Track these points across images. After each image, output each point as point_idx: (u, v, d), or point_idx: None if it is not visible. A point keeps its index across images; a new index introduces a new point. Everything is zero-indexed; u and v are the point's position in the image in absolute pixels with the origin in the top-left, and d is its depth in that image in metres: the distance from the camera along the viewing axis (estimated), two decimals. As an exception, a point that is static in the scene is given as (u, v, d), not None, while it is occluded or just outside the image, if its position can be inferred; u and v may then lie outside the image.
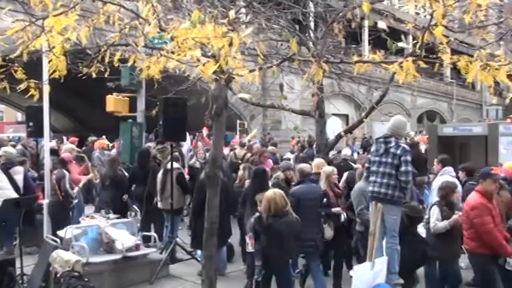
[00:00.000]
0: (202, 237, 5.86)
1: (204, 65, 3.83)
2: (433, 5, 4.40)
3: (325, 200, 7.69)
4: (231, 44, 3.87)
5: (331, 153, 11.10)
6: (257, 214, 6.49)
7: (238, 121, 24.42)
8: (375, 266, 5.75)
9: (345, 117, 30.08)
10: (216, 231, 5.87)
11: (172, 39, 4.14)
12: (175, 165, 9.63)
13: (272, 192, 6.38)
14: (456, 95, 42.84)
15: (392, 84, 10.53)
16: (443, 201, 6.98)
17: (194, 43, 3.95)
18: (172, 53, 4.13)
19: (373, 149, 6.58)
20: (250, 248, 7.34)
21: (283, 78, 9.56)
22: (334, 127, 12.58)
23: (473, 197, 6.41)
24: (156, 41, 4.60)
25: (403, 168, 6.09)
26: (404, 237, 6.30)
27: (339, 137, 11.44)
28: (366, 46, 28.45)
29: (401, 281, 6.23)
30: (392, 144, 6.22)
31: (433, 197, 7.72)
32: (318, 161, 9.09)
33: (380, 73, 22.60)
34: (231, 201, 8.13)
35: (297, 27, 10.51)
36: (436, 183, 7.73)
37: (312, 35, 10.32)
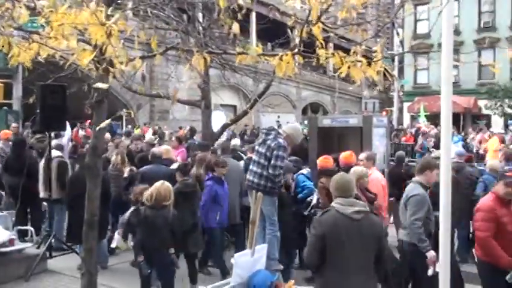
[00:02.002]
0: (78, 230, 5.68)
1: (80, 53, 3.69)
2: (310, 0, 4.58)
3: None
4: (110, 33, 3.77)
5: (216, 143, 11.20)
6: (133, 207, 6.47)
7: (124, 110, 23.86)
8: (255, 253, 5.92)
9: (233, 108, 30.43)
10: (97, 223, 5.72)
11: (48, 23, 3.95)
12: (59, 153, 9.48)
13: (161, 182, 6.47)
14: (338, 88, 44.96)
15: (277, 77, 10.84)
16: None
17: (72, 29, 3.80)
18: (53, 38, 3.94)
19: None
20: (114, 243, 7.31)
21: (169, 68, 9.48)
22: (218, 120, 12.72)
23: (486, 198, 5.78)
24: (29, 25, 4.35)
25: (272, 162, 6.36)
26: None
27: (225, 127, 11.60)
28: (253, 38, 28.98)
29: (281, 267, 6.48)
30: (271, 136, 6.46)
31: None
32: (166, 147, 9.91)
33: (267, 65, 23.13)
34: (108, 192, 8.09)
35: (185, 17, 10.45)
36: None
37: (198, 25, 10.30)
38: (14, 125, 13.56)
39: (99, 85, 4.04)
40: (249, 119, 29.73)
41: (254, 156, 6.66)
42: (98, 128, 5.60)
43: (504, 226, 5.42)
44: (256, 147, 6.70)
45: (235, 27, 4.35)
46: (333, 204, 4.61)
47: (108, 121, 4.42)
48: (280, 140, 6.52)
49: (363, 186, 6.95)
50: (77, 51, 3.76)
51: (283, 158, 6.42)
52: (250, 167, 6.66)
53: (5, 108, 14.12)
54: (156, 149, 9.65)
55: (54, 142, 10.11)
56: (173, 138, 14.33)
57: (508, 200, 5.53)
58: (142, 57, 4.62)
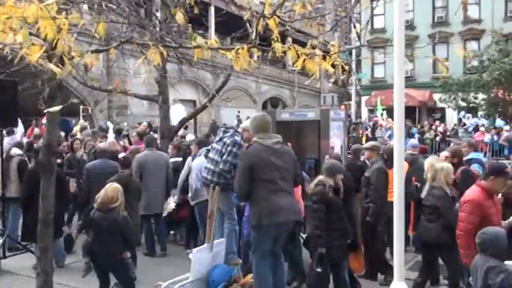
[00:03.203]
0: (33, 229, 5.57)
1: (29, 48, 3.60)
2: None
3: None
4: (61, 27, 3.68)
5: (175, 139, 11.12)
6: (89, 208, 6.34)
7: (81, 106, 23.38)
8: (213, 248, 5.92)
9: (192, 103, 30.20)
10: (52, 221, 5.61)
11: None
12: (18, 151, 9.33)
13: (110, 183, 6.23)
14: (297, 82, 45.23)
15: (235, 71, 10.82)
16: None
17: (20, 23, 3.70)
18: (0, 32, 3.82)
19: None
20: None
21: (125, 62, 9.34)
22: (178, 114, 12.64)
23: (472, 191, 5.62)
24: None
25: (224, 157, 6.40)
26: None
27: (183, 122, 11.51)
28: (212, 32, 28.83)
29: (240, 261, 6.50)
30: (228, 134, 6.51)
31: None
32: (111, 140, 10.22)
33: (226, 59, 23.02)
34: (64, 190, 7.92)
35: (143, 10, 10.32)
36: (195, 163, 7.88)
37: (154, 19, 10.19)
38: None
39: (51, 66, 3.90)
40: (208, 113, 29.60)
41: (210, 154, 6.68)
42: (50, 123, 5.50)
43: (490, 217, 5.43)
44: (213, 145, 6.73)
45: (179, 18, 4.32)
46: (254, 139, 5.52)
47: (58, 108, 4.27)
48: (237, 138, 6.55)
49: (450, 184, 6.42)
50: (25, 46, 3.65)
51: (236, 154, 6.41)
52: (205, 164, 6.68)
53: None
54: (101, 144, 9.50)
55: (6, 139, 9.87)
56: (134, 134, 14.23)
57: (494, 193, 5.57)
58: (95, 51, 4.55)
